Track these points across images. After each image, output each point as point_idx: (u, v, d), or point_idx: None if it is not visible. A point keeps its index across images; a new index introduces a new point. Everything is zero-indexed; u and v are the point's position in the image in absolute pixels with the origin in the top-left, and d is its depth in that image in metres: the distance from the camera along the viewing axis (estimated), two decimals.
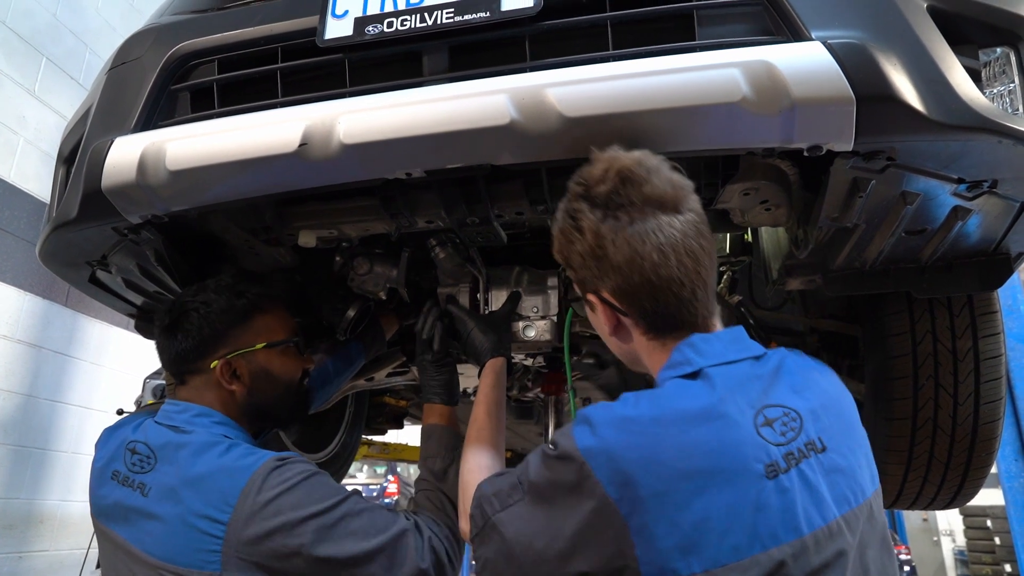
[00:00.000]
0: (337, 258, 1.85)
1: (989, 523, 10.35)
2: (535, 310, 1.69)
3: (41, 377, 4.40)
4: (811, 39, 1.09)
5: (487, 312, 1.70)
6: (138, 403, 4.19)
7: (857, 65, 1.06)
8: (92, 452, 1.41)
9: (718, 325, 1.05)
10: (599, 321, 1.10)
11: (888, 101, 1.06)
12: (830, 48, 1.06)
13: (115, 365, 4.92)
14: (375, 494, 15.28)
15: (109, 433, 1.41)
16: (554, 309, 1.68)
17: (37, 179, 4.44)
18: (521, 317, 1.69)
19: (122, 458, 1.31)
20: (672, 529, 0.84)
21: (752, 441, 0.89)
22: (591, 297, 1.07)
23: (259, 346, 1.42)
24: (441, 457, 1.44)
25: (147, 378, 4.10)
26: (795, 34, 1.11)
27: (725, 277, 1.87)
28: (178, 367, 1.42)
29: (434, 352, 1.55)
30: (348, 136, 1.21)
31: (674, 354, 1.01)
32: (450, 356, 1.58)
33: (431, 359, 1.55)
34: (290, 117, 1.25)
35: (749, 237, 1.85)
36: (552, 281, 1.70)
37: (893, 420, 1.75)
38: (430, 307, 1.65)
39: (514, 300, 1.68)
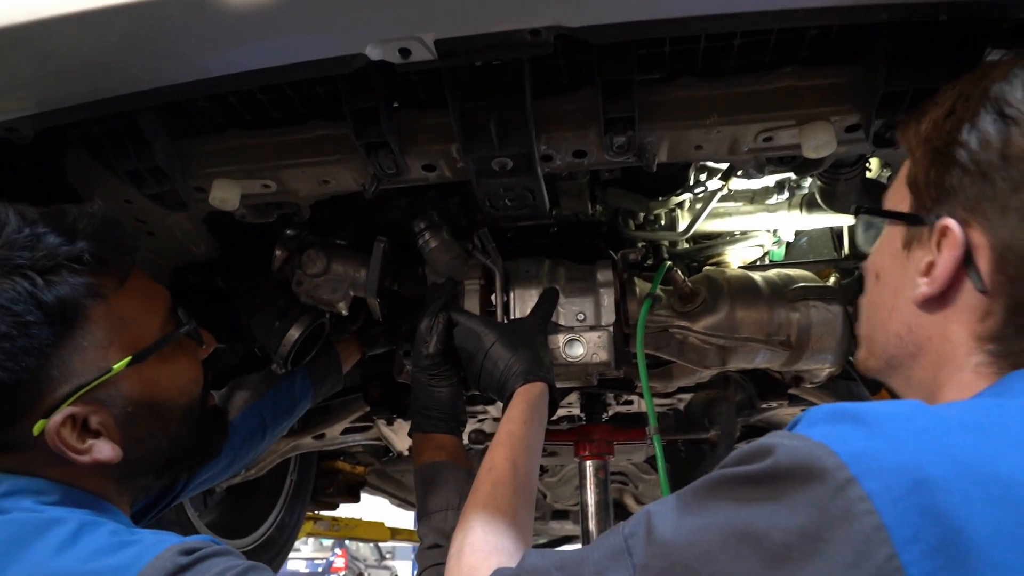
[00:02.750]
0: (278, 251, 1.25)
1: None
2: (581, 318, 1.10)
3: None
4: None
5: (510, 320, 1.11)
6: None
7: None
8: None
9: None
10: (903, 269, 0.62)
11: None
12: None
13: None
14: (320, 570, 13.96)
15: None
16: (609, 316, 1.09)
17: None
18: (560, 328, 1.10)
19: None
20: None
21: None
22: (946, 224, 0.59)
23: (119, 365, 0.76)
24: (454, 510, 0.92)
25: None
26: None
27: (833, 280, 1.32)
28: None
29: (430, 355, 1.04)
30: None
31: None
32: (452, 364, 1.05)
33: (427, 365, 1.04)
34: None
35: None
36: (605, 275, 1.12)
37: None
38: (439, 291, 1.10)
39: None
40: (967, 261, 0.58)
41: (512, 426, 0.89)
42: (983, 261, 0.57)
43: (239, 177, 0.95)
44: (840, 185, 1.03)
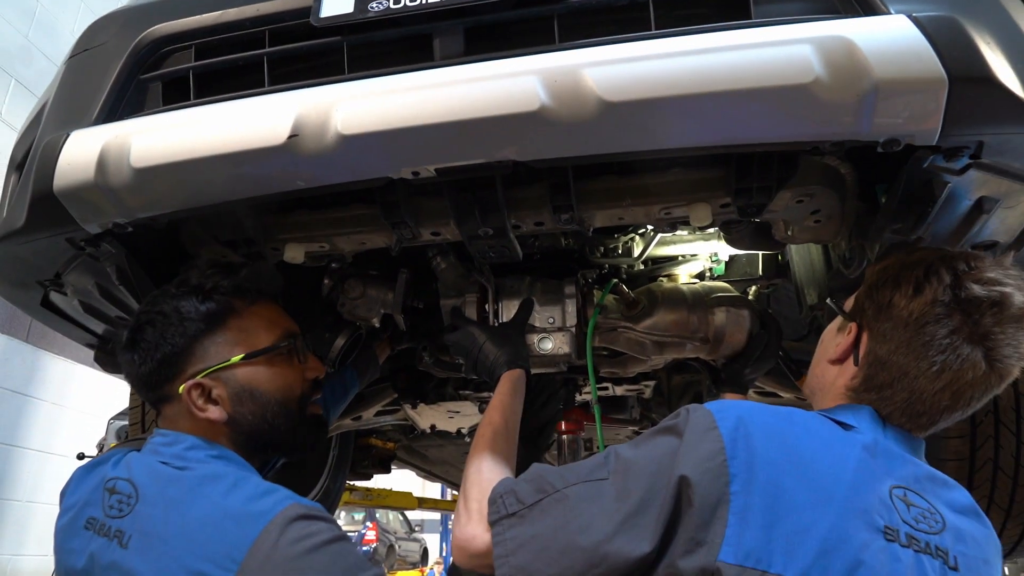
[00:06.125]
0: (326, 280, 1.65)
1: None
2: (551, 321, 1.50)
3: None
4: (889, 13, 0.94)
5: (498, 324, 1.51)
6: (100, 447, 3.88)
7: (949, 42, 0.91)
8: (49, 500, 1.14)
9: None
10: (832, 340, 1.09)
11: (984, 84, 0.91)
12: (917, 22, 0.91)
13: (78, 405, 4.59)
14: (352, 542, 14.63)
15: (84, 472, 1.15)
16: (572, 320, 1.50)
17: None
18: (535, 329, 1.50)
19: (100, 501, 1.05)
20: (771, 519, 0.81)
21: (881, 499, 0.85)
22: (853, 325, 1.04)
23: (236, 359, 1.13)
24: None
25: (111, 419, 3.80)
26: (868, 9, 0.96)
27: (753, 290, 1.71)
28: (145, 395, 1.19)
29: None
30: (347, 126, 1.03)
31: (846, 409, 1.00)
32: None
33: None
34: (279, 104, 1.07)
35: (783, 258, 1.69)
36: (570, 289, 1.52)
37: (947, 461, 1.57)
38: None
39: (527, 308, 1.50)
40: (855, 348, 1.02)
41: (502, 397, 1.27)
42: (862, 350, 1.02)
43: (303, 241, 1.36)
44: (733, 233, 1.41)
